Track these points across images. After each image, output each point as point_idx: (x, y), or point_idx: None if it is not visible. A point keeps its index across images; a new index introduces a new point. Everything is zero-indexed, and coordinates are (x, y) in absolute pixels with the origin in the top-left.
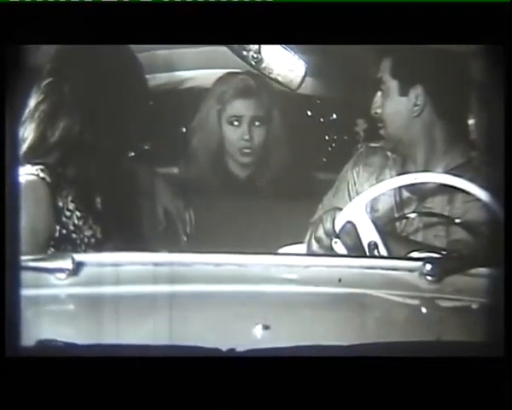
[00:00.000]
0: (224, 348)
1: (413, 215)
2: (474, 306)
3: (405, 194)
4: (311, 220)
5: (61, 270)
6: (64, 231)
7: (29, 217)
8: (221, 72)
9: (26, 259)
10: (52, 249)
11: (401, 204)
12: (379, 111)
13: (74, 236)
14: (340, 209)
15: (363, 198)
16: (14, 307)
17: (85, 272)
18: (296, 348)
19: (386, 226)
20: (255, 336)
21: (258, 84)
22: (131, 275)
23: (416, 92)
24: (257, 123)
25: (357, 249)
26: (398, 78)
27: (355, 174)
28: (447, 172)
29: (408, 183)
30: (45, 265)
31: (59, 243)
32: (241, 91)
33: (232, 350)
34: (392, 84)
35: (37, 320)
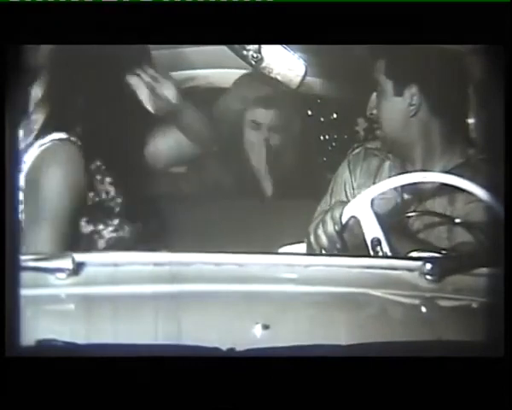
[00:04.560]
0: (223, 348)
1: (414, 215)
2: (475, 305)
3: (408, 193)
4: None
5: (61, 270)
6: (97, 199)
7: (61, 181)
8: (223, 72)
9: (25, 258)
10: (85, 219)
11: (404, 203)
12: (374, 112)
13: (106, 204)
14: (346, 203)
15: (368, 194)
16: (13, 306)
17: (86, 271)
18: (296, 348)
19: (390, 224)
20: (255, 336)
21: (280, 94)
22: (131, 275)
23: (411, 92)
24: (274, 131)
25: (359, 246)
26: (392, 78)
27: (353, 176)
28: (447, 172)
29: (416, 181)
30: (45, 264)
31: (92, 212)
32: (264, 100)
33: (232, 350)
34: (387, 85)
35: (36, 320)
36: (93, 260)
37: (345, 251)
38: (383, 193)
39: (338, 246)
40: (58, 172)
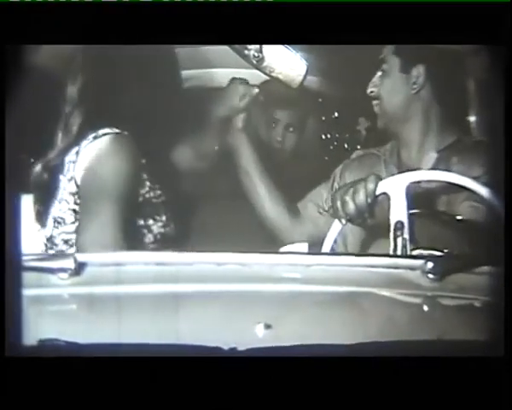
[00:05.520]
0: (225, 347)
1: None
2: (477, 304)
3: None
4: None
5: (63, 270)
6: (147, 195)
7: (118, 173)
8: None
9: (27, 258)
10: (141, 218)
11: (435, 198)
12: (375, 90)
13: (154, 200)
14: (381, 178)
15: (407, 177)
16: (15, 306)
17: (87, 271)
18: (298, 347)
19: (417, 214)
20: (257, 335)
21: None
22: (134, 274)
23: (418, 71)
24: (291, 129)
25: (381, 224)
26: (401, 55)
27: (345, 175)
28: (439, 151)
29: (458, 183)
30: (47, 264)
31: (143, 207)
32: (283, 99)
33: (233, 349)
34: (395, 62)
35: (38, 320)
36: (95, 259)
37: (366, 224)
38: (420, 182)
39: (365, 216)
40: (120, 163)
